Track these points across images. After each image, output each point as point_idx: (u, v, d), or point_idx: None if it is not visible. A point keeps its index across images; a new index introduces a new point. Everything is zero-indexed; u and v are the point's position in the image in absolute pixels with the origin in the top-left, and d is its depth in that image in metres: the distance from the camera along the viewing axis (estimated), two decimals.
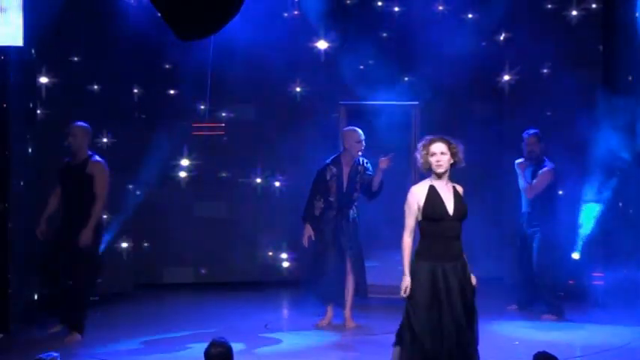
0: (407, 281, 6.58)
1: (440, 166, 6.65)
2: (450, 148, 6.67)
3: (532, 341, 8.71)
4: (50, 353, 5.58)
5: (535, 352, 5.75)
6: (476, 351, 6.60)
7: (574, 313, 10.16)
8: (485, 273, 12.09)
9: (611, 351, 8.70)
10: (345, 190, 9.67)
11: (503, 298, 11.32)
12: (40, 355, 5.56)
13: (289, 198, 11.73)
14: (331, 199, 9.68)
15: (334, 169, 9.71)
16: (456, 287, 6.54)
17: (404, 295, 6.58)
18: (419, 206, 6.64)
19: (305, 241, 9.70)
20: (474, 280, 6.69)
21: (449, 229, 6.63)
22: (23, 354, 8.70)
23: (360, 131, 9.73)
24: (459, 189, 6.78)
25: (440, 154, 6.65)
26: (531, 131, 10.29)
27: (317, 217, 9.70)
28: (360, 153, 9.69)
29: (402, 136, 11.03)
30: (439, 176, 6.68)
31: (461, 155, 6.72)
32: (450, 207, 6.63)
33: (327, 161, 9.79)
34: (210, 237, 12.16)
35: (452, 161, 6.69)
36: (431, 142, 6.69)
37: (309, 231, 9.65)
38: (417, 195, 6.67)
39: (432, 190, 6.67)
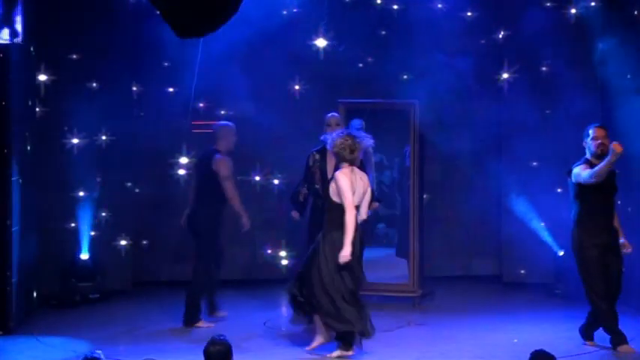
0: None
1: None
2: None
3: (530, 339, 8.71)
4: (94, 352, 5.61)
5: (533, 349, 5.75)
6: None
7: (574, 311, 10.15)
8: (487, 271, 12.22)
9: (610, 350, 8.70)
10: (330, 179, 9.65)
11: (502, 296, 11.35)
12: (86, 354, 5.59)
13: (289, 196, 11.71)
14: (317, 186, 9.69)
15: (317, 156, 9.77)
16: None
17: None
18: None
19: (294, 216, 10.01)
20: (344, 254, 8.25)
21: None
22: (23, 354, 8.71)
23: (331, 115, 9.90)
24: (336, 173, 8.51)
25: None
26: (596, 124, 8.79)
27: (301, 203, 9.85)
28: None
29: (401, 136, 11.02)
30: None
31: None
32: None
33: (313, 149, 9.84)
34: None
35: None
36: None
37: (295, 213, 9.97)
38: None
39: None
